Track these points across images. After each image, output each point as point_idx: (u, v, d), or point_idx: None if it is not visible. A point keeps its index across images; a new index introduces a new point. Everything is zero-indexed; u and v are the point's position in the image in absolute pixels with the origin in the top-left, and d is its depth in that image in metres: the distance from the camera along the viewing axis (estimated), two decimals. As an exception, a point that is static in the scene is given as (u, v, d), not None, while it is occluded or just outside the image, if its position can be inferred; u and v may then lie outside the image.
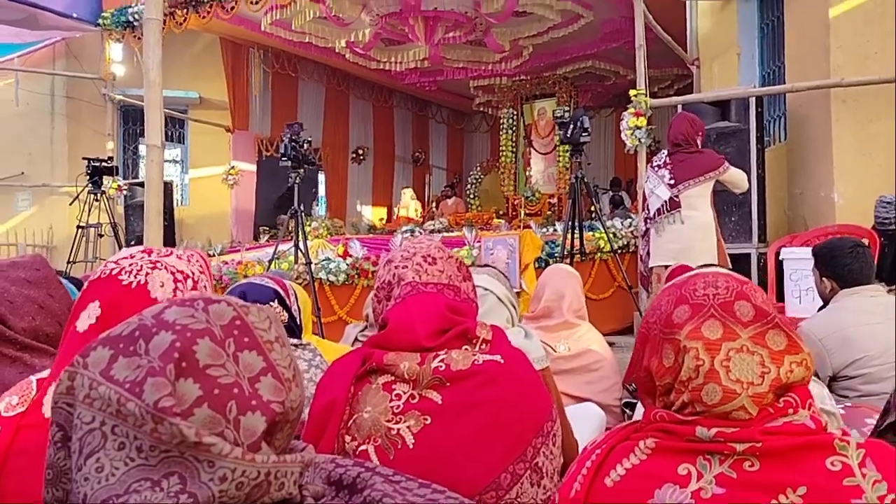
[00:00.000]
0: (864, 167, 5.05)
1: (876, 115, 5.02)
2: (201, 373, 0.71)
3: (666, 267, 4.24)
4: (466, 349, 1.35)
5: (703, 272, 0.97)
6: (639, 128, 5.60)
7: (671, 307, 0.92)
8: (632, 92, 5.65)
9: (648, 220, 4.49)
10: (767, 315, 0.89)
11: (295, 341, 1.92)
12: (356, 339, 2.80)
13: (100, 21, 8.85)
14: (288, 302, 1.98)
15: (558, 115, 5.36)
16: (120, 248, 7.32)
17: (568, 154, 9.76)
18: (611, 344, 5.68)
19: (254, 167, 10.80)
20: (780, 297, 4.64)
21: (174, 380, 0.69)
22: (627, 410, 2.55)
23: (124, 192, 8.94)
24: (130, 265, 1.16)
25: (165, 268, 1.17)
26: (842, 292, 2.45)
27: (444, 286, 1.43)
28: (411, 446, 1.25)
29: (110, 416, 0.69)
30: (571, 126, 5.29)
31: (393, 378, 1.31)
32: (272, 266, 5.98)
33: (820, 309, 2.62)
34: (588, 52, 10.25)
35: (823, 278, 2.58)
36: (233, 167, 10.28)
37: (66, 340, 1.15)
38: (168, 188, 9.61)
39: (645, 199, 4.65)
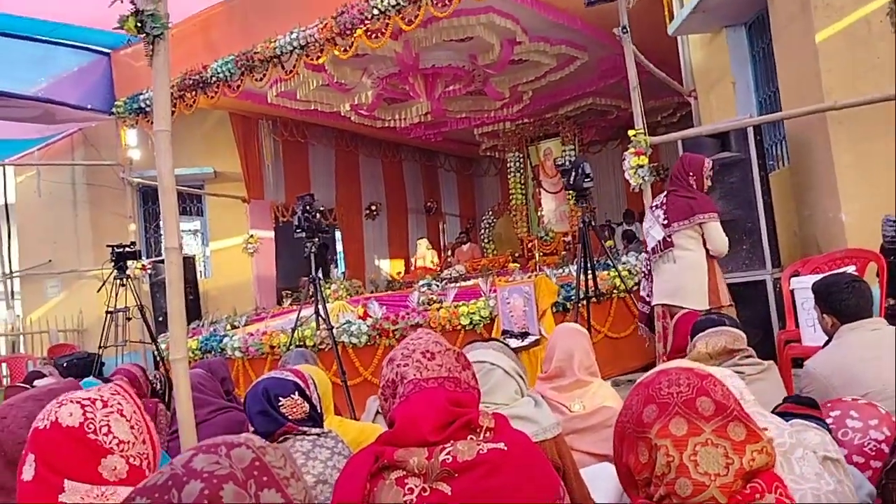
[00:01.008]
0: (867, 186, 5.09)
1: (873, 133, 5.07)
2: None
3: (664, 305, 4.32)
4: (472, 439, 1.44)
5: (666, 369, 1.06)
6: (641, 166, 5.70)
7: (641, 406, 1.01)
8: (631, 132, 5.77)
9: (648, 260, 4.57)
10: (727, 409, 0.97)
11: (317, 431, 2.01)
12: (377, 413, 2.89)
13: (113, 110, 9.20)
14: (308, 392, 2.08)
15: (560, 162, 5.48)
16: (148, 328, 7.50)
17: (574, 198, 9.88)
18: (635, 382, 5.73)
19: (271, 234, 11.03)
20: (798, 322, 4.66)
21: None
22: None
23: (149, 272, 9.19)
24: (44, 413, 1.33)
25: (71, 401, 1.33)
26: (843, 328, 2.50)
27: (445, 379, 1.52)
28: (427, 538, 1.33)
29: None
30: (573, 173, 5.41)
31: (404, 473, 1.40)
32: (296, 334, 6.09)
33: (825, 344, 2.66)
34: (587, 90, 10.44)
35: (824, 314, 2.64)
36: (251, 236, 10.53)
37: (18, 490, 1.30)
38: (190, 262, 9.89)
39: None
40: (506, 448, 1.43)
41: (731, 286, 5.35)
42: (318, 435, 2.01)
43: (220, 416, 3.44)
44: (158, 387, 4.05)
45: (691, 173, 4.41)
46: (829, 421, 2.02)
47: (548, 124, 11.48)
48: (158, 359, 7.26)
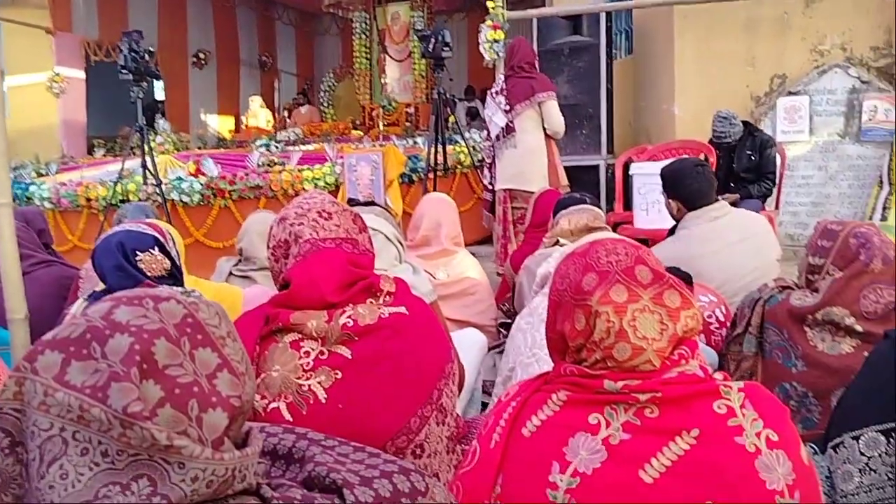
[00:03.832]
0: (702, 82, 5.42)
1: (714, 31, 5.37)
2: (161, 373, 0.71)
3: (507, 190, 4.44)
4: (371, 302, 1.39)
5: (600, 240, 1.06)
6: (496, 41, 5.63)
7: (579, 276, 1.01)
8: (489, 4, 5.64)
9: (491, 147, 4.62)
10: (663, 277, 0.99)
11: (179, 289, 1.86)
12: (230, 274, 2.75)
13: None
14: (168, 247, 1.90)
15: (419, 27, 5.28)
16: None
17: (424, 63, 9.64)
18: (472, 254, 5.93)
19: (82, 74, 9.80)
20: (627, 206, 5.00)
21: (138, 383, 0.69)
22: (503, 330, 2.72)
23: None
24: None
25: None
26: (687, 216, 2.68)
27: (343, 240, 1.44)
28: (324, 401, 1.29)
29: (70, 422, 0.68)
30: (432, 40, 5.24)
31: (300, 336, 1.33)
32: (118, 188, 5.57)
33: (671, 229, 2.85)
34: (441, -48, 10.02)
35: (670, 199, 2.81)
36: (57, 74, 9.29)
37: None
38: (-19, 98, 8.57)
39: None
40: (407, 312, 1.40)
41: (568, 168, 5.60)
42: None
43: (41, 270, 3.10)
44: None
45: (536, 58, 4.48)
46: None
47: (397, -15, 10.94)
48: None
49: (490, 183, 4.79)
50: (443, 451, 1.39)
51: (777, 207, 4.75)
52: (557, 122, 4.41)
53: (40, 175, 6.86)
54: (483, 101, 9.37)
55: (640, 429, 0.95)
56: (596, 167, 5.90)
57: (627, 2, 5.86)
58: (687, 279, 1.97)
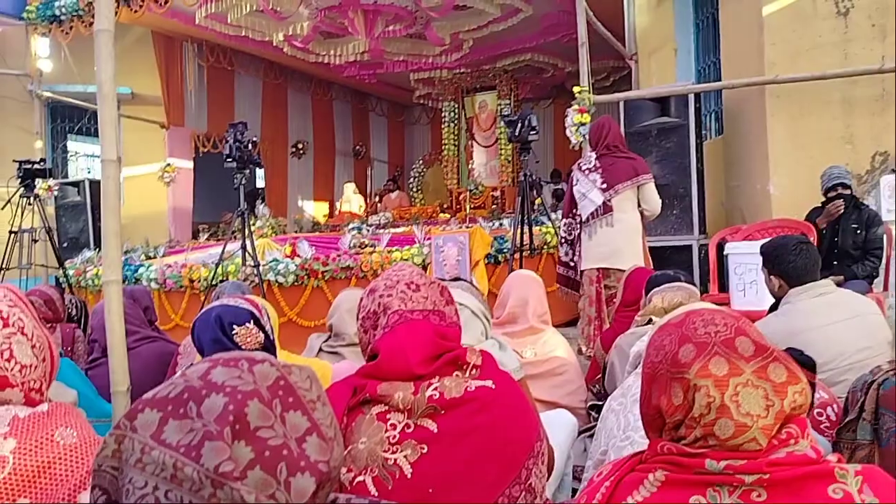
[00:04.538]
0: (797, 160, 5.27)
1: (808, 109, 5.25)
2: (252, 435, 0.72)
3: (600, 269, 4.36)
4: (458, 375, 1.37)
5: (696, 309, 1.02)
6: (583, 124, 5.69)
7: (675, 347, 0.96)
8: (576, 89, 5.74)
9: (580, 224, 4.55)
10: (767, 349, 0.94)
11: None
12: (320, 350, 2.79)
13: (24, 15, 8.43)
14: (262, 321, 1.96)
15: (505, 113, 5.43)
16: (55, 252, 7.04)
17: (510, 148, 9.83)
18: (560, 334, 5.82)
19: (190, 164, 10.53)
20: (722, 287, 4.83)
21: (230, 443, 0.70)
22: (593, 413, 2.62)
23: (55, 193, 8.60)
24: None
25: None
26: (791, 292, 2.55)
27: (430, 312, 1.44)
28: (409, 476, 1.27)
29: (164, 480, 0.69)
30: (519, 125, 5.35)
31: (387, 408, 1.32)
32: (219, 269, 5.85)
33: (772, 307, 2.71)
34: (527, 45, 10.33)
35: (771, 276, 2.69)
36: (169, 164, 10.01)
37: None
38: (98, 187, 9.25)
39: (571, 202, 4.70)
40: (493, 386, 1.37)
41: (660, 249, 5.51)
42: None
43: (144, 345, 3.25)
44: (74, 312, 3.78)
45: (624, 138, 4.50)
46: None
47: (485, 76, 11.32)
48: (65, 285, 6.84)
49: (571, 260, 4.74)
50: (531, 534, 1.33)
51: (885, 289, 4.46)
52: (656, 203, 4.40)
53: (149, 258, 7.30)
54: (568, 183, 9.39)
55: (747, 513, 0.88)
56: (689, 247, 5.75)
57: (720, 83, 5.83)
58: (810, 364, 1.78)
